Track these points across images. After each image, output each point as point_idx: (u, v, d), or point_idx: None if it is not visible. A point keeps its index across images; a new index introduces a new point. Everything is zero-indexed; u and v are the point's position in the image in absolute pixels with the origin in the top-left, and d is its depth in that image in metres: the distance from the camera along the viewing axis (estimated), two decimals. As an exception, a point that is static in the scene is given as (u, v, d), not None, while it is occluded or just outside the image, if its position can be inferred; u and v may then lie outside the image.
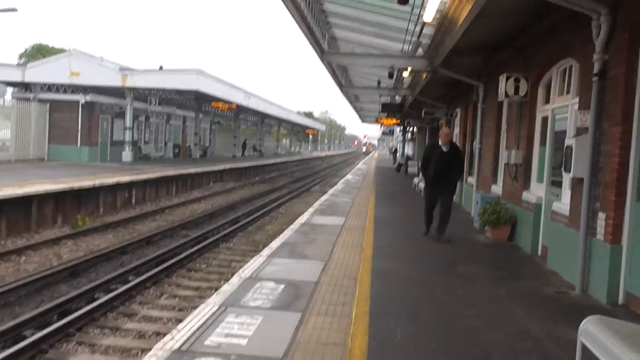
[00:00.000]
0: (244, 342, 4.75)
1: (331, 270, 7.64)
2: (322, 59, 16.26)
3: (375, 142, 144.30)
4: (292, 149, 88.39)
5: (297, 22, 12.74)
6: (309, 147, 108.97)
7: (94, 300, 9.17)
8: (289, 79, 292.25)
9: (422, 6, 10.59)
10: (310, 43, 14.71)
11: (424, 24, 11.86)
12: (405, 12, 12.01)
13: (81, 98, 28.71)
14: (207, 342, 4.71)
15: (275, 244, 9.55)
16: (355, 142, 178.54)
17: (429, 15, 10.40)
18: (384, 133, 68.04)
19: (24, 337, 7.47)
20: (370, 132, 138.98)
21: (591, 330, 4.02)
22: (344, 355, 4.56)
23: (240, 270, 7.47)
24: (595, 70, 7.02)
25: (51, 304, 8.75)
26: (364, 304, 6.02)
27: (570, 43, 8.39)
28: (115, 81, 27.96)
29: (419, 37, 13.27)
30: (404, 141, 45.22)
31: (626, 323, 4.35)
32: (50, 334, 7.57)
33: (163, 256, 12.43)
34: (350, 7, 13.93)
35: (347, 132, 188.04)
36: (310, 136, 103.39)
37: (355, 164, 55.58)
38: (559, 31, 8.78)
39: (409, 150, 44.65)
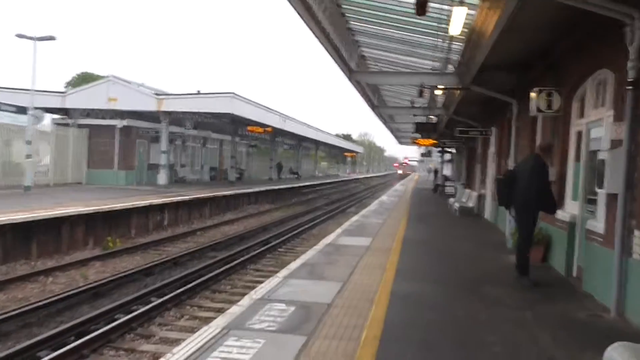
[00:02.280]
0: (239, 367, 4.45)
1: (347, 292, 7.29)
2: (350, 79, 16.06)
3: (415, 164, 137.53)
4: (330, 171, 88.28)
5: (322, 42, 12.61)
6: (347, 170, 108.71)
7: (113, 321, 9.01)
8: (327, 102, 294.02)
9: (449, 20, 10.28)
10: (337, 62, 14.56)
11: (451, 38, 11.54)
12: (432, 27, 11.76)
13: (118, 123, 29.21)
14: (200, 367, 4.43)
15: (294, 264, 9.26)
16: (396, 164, 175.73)
17: (456, 28, 10.09)
18: (422, 154, 67.30)
19: (38, 358, 7.41)
20: (409, 153, 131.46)
21: (617, 358, 3.60)
22: (345, 382, 4.21)
23: (252, 292, 7.19)
24: (630, 78, 6.59)
25: (69, 324, 8.65)
26: (376, 328, 5.65)
27: (604, 53, 7.96)
28: (150, 106, 28.36)
29: (448, 52, 12.94)
30: (442, 162, 44.59)
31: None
32: (63, 355, 7.44)
33: (187, 277, 12.24)
34: (376, 24, 13.74)
35: (386, 153, 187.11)
36: (349, 158, 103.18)
37: (393, 186, 54.97)
38: (592, 42, 8.36)
39: (446, 171, 43.95)
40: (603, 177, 7.27)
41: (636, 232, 6.45)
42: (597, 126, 8.60)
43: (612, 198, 7.24)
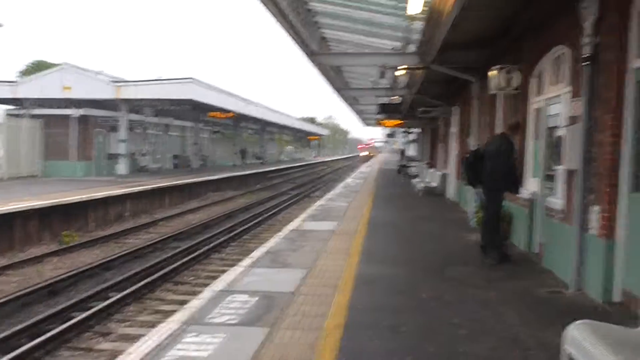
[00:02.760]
0: (198, 364, 4.30)
1: (312, 279, 7.18)
2: (311, 61, 15.84)
3: (381, 145, 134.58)
4: (295, 155, 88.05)
5: (282, 24, 12.36)
6: (313, 153, 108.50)
7: (69, 319, 8.71)
8: (290, 85, 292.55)
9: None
10: (298, 44, 14.31)
11: (412, 17, 11.41)
12: (392, 6, 11.61)
13: (74, 112, 28.44)
14: (156, 366, 4.26)
15: (258, 252, 9.11)
16: (360, 146, 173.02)
17: (414, 7, 9.97)
18: (387, 135, 67.51)
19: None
20: (375, 134, 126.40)
21: (577, 337, 3.63)
22: (307, 375, 4.10)
23: (213, 283, 7.03)
24: (586, 54, 6.57)
25: (21, 325, 8.34)
26: (339, 316, 5.55)
27: (561, 29, 7.94)
28: (108, 94, 27.68)
29: (409, 32, 12.83)
30: (406, 143, 44.82)
31: (616, 327, 3.94)
32: (15, 358, 7.17)
33: (149, 270, 11.99)
34: (336, 5, 13.54)
35: (351, 136, 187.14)
36: (314, 142, 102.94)
37: (358, 168, 55.03)
38: (549, 18, 8.33)
39: (411, 151, 44.18)
40: (561, 153, 7.28)
41: (594, 208, 6.47)
42: (556, 103, 8.61)
43: (570, 174, 7.27)
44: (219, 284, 6.92)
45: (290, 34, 13.58)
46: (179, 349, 4.62)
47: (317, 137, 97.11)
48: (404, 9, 11.53)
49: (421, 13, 10.98)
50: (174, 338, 4.89)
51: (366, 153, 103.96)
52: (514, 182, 8.65)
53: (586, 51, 6.54)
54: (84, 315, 8.80)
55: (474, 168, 8.84)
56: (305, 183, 41.07)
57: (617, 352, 3.23)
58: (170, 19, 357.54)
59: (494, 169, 8.47)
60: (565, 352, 3.74)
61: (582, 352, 3.48)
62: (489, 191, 8.72)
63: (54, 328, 8.24)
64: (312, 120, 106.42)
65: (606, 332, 3.63)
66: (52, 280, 11.05)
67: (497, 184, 8.56)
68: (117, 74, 31.45)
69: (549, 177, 8.68)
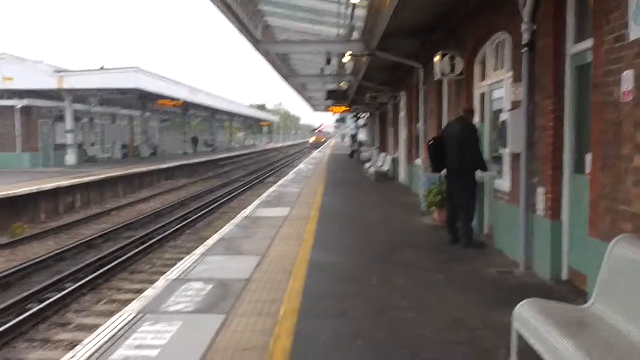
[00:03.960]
0: (155, 353, 4.35)
1: (265, 265, 7.27)
2: (257, 49, 15.83)
3: (331, 130, 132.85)
4: (247, 142, 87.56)
5: (223, 12, 12.28)
6: (264, 139, 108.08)
7: (25, 311, 8.62)
8: (239, 73, 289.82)
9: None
10: (242, 33, 14.27)
11: (354, 6, 11.53)
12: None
13: (17, 103, 27.73)
14: (113, 357, 4.28)
15: (211, 240, 9.14)
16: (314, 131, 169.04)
17: (356, -5, 10.09)
18: (337, 120, 67.83)
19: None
20: (325, 120, 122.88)
21: (524, 315, 3.72)
22: (264, 360, 4.21)
23: (168, 272, 7.05)
24: (524, 41, 6.77)
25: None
26: (294, 301, 5.66)
27: (500, 16, 8.16)
28: (50, 84, 27.08)
29: (351, 20, 12.95)
30: (356, 127, 45.12)
31: (563, 305, 4.09)
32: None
33: (103, 260, 11.89)
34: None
35: (302, 122, 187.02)
36: (265, 128, 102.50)
37: (310, 154, 55.19)
38: (488, 5, 8.56)
39: (361, 136, 44.56)
40: (506, 137, 7.52)
41: (539, 189, 6.72)
42: (499, 88, 8.88)
43: (515, 157, 7.51)
44: (173, 273, 6.94)
45: (234, 24, 13.55)
46: (135, 338, 4.65)
47: (268, 124, 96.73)
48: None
49: (363, 1, 11.09)
50: (130, 327, 4.92)
51: (313, 139, 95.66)
52: (483, 162, 8.59)
53: (525, 38, 6.74)
54: (40, 306, 8.72)
55: (438, 154, 8.82)
56: (258, 170, 40.99)
57: (563, 328, 3.31)
58: (114, 7, 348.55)
59: (462, 153, 8.39)
60: (514, 330, 3.85)
61: (530, 330, 3.56)
62: (459, 176, 8.58)
63: (9, 320, 8.17)
64: (262, 107, 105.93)
65: (553, 310, 3.73)
66: (4, 273, 10.87)
67: (466, 168, 8.51)
68: (59, 64, 30.72)
69: (496, 160, 8.95)
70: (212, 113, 55.07)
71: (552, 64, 6.34)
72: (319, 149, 62.89)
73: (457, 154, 8.47)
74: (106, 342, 4.57)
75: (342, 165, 30.95)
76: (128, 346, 4.50)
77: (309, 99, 45.55)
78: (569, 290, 5.94)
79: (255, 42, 15.42)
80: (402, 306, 5.61)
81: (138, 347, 4.48)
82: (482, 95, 9.76)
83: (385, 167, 21.73)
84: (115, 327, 4.94)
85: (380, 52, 13.57)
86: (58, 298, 9.23)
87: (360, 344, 4.59)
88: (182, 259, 11.82)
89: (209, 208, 19.83)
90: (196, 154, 46.83)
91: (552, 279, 6.38)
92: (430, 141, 9.13)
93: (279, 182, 20.59)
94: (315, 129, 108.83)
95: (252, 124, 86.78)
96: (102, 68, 30.40)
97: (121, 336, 4.71)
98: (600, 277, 3.86)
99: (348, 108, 32.71)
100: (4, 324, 8.01)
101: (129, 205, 21.70)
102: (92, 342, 4.60)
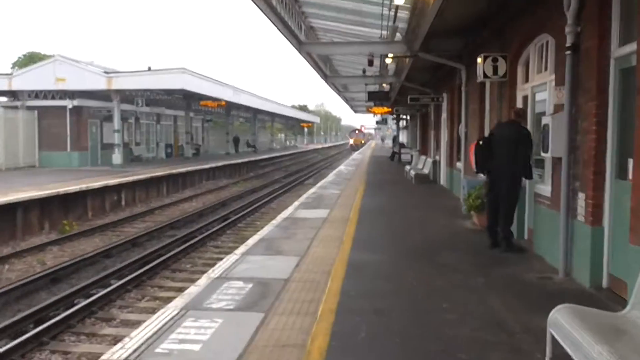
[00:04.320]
0: (197, 347, 4.50)
1: (305, 266, 7.38)
2: (299, 51, 15.99)
3: (372, 132, 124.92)
4: (287, 143, 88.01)
5: (267, 15, 12.48)
6: (305, 140, 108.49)
7: (72, 306, 8.93)
8: (281, 74, 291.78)
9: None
10: (285, 35, 14.45)
11: (397, 7, 11.57)
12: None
13: (68, 103, 28.58)
14: (158, 350, 4.46)
15: (252, 240, 9.31)
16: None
17: (399, -3, 10.14)
18: (377, 122, 67.63)
19: (-6, 348, 7.29)
20: (366, 121, 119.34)
21: (560, 321, 3.73)
22: (301, 358, 4.30)
23: (210, 270, 7.23)
24: (568, 43, 6.72)
25: (27, 312, 8.54)
26: (332, 301, 5.76)
27: (545, 18, 8.09)
28: (100, 84, 27.74)
29: (394, 21, 12.98)
30: (397, 129, 44.97)
31: (599, 311, 4.08)
32: (22, 343, 7.37)
33: (147, 258, 12.19)
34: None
35: (343, 122, 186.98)
36: (306, 129, 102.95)
37: (350, 155, 55.26)
38: (533, 6, 8.50)
39: (402, 138, 44.38)
40: (547, 141, 7.45)
41: (580, 195, 6.65)
42: (542, 90, 8.79)
43: (556, 161, 7.44)
44: (215, 271, 7.11)
45: (278, 27, 13.74)
46: (179, 333, 4.82)
47: (309, 125, 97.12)
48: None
49: (406, 2, 11.12)
50: (174, 322, 5.09)
51: (351, 142, 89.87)
52: (530, 169, 8.42)
53: (568, 40, 6.69)
54: (86, 301, 9.01)
55: (486, 154, 8.64)
56: (298, 171, 41.23)
57: (598, 334, 3.30)
58: (161, 10, 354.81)
59: (513, 156, 8.24)
60: (550, 335, 3.86)
61: (565, 335, 3.57)
62: (505, 179, 8.45)
63: (58, 314, 8.46)
64: (303, 108, 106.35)
65: (589, 316, 3.72)
66: (54, 269, 11.24)
67: (516, 174, 8.40)
68: (108, 65, 31.60)
69: (538, 163, 8.85)
70: (254, 113, 55.60)
71: (596, 66, 6.28)
72: (359, 151, 62.59)
73: (508, 156, 8.29)
74: (152, 336, 4.75)
75: (382, 167, 30.93)
76: (172, 340, 4.66)
77: (350, 100, 45.59)
78: (609, 298, 5.88)
79: (299, 44, 15.59)
80: (441, 307, 5.66)
81: (182, 341, 4.64)
82: (525, 98, 9.68)
83: (426, 170, 21.66)
84: (161, 322, 5.12)
85: (423, 53, 13.55)
86: (104, 294, 9.51)
87: (397, 342, 4.66)
88: (222, 258, 12.14)
89: (250, 208, 20.05)
90: (238, 155, 47.33)
91: (592, 286, 6.31)
92: (478, 141, 8.92)
93: (319, 184, 20.71)
94: (354, 130, 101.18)
95: (293, 125, 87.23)
96: (149, 69, 31.03)
97: (166, 330, 4.88)
98: (638, 284, 3.83)
99: (389, 109, 32.65)
100: (53, 317, 8.30)
101: (172, 205, 22.11)
102: (138, 335, 4.78)
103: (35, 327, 8.01)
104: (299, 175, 36.23)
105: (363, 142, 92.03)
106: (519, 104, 9.92)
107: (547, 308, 4.31)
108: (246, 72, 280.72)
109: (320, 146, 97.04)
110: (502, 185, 8.49)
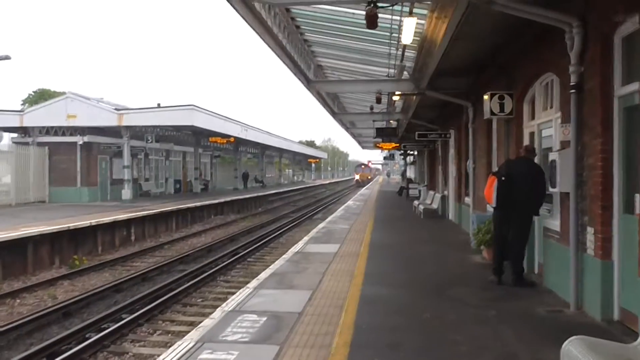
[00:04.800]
0: (215, 379, 4.61)
1: (317, 300, 7.48)
2: (308, 89, 16.30)
3: (380, 167, 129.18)
4: (295, 178, 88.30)
5: (278, 55, 12.81)
6: (312, 176, 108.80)
7: (84, 340, 9.00)
8: (289, 109, 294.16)
9: (400, 29, 10.62)
10: (294, 73, 14.76)
11: (404, 46, 11.86)
12: (385, 36, 12.07)
13: (79, 139, 28.95)
14: (176, 381, 4.57)
15: (264, 274, 9.42)
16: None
17: (407, 38, 10.41)
18: (385, 158, 67.87)
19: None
20: (373, 157, 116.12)
21: (573, 352, 3.78)
22: (317, 389, 4.40)
23: (224, 304, 7.33)
24: (572, 82, 6.94)
25: (39, 345, 8.63)
26: (346, 334, 5.85)
27: (549, 57, 8.32)
28: (111, 121, 28.21)
29: (402, 60, 13.28)
30: (405, 165, 45.19)
31: (611, 343, 4.14)
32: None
33: (158, 292, 12.27)
34: (331, 35, 14.05)
35: (350, 157, 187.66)
36: (313, 164, 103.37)
37: (358, 191, 55.36)
38: (537, 47, 8.74)
39: (410, 173, 44.57)
40: (555, 176, 7.60)
41: (589, 229, 6.75)
42: (548, 127, 8.97)
43: (564, 196, 7.58)
44: (229, 305, 7.21)
45: (287, 66, 14.06)
46: (196, 365, 4.93)
47: (316, 160, 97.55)
48: (396, 38, 12.00)
49: (413, 42, 11.40)
50: (190, 354, 5.20)
51: (357, 178, 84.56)
52: (540, 204, 8.60)
53: (573, 79, 6.90)
54: (99, 335, 9.09)
55: (507, 192, 8.57)
56: (306, 206, 41.37)
57: None
58: (168, 48, 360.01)
59: (529, 193, 8.37)
60: None
61: None
62: (524, 215, 8.57)
63: (70, 348, 8.54)
64: (311, 144, 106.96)
65: (601, 348, 3.78)
66: (65, 303, 11.34)
67: (530, 209, 8.55)
68: (117, 101, 32.15)
69: (547, 198, 8.94)
70: (262, 149, 56.04)
71: (601, 105, 6.45)
72: (367, 186, 62.54)
73: (525, 192, 8.38)
74: (170, 368, 4.85)
75: (390, 202, 31.03)
76: (190, 372, 4.76)
77: (357, 136, 45.93)
78: (620, 331, 5.95)
79: (308, 82, 15.90)
80: (454, 340, 5.75)
81: (199, 373, 4.74)
82: (532, 135, 9.85)
83: (434, 205, 21.77)
84: (177, 354, 5.22)
85: (430, 91, 13.84)
86: (116, 328, 9.55)
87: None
88: (232, 293, 12.22)
89: (259, 243, 20.14)
90: (246, 190, 47.57)
91: (604, 320, 6.38)
92: (499, 177, 8.84)
93: (328, 219, 20.83)
94: (360, 165, 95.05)
95: (301, 160, 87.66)
96: (158, 105, 31.52)
97: (183, 362, 4.98)
98: (648, 317, 3.92)
99: (397, 145, 32.90)
100: (66, 351, 8.36)
101: (181, 240, 22.24)
102: (157, 367, 4.88)
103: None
104: (307, 210, 36.35)
105: (370, 177, 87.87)
106: (526, 140, 10.08)
107: (559, 341, 4.38)
108: (254, 107, 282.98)
109: (327, 182, 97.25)
110: (517, 221, 8.58)
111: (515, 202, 8.45)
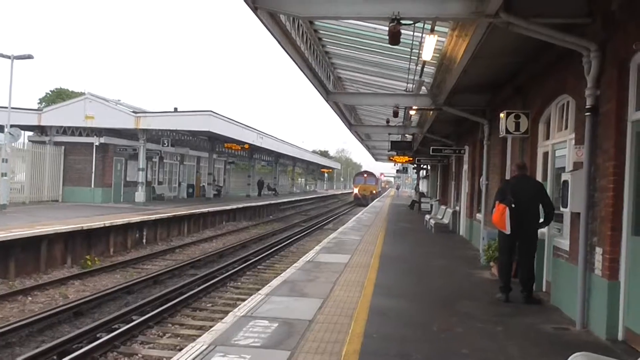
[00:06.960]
0: (227, 381, 4.74)
1: (328, 308, 7.61)
2: (327, 100, 16.47)
3: (392, 179, 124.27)
4: (307, 187, 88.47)
5: (299, 65, 13.00)
6: (325, 186, 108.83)
7: (95, 339, 9.15)
8: (304, 119, 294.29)
9: (421, 46, 10.77)
10: (314, 84, 14.94)
11: (424, 62, 12.02)
12: (405, 52, 12.23)
13: (95, 140, 29.22)
14: (190, 382, 4.70)
15: (276, 282, 9.55)
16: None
17: (427, 54, 10.56)
18: (398, 171, 67.67)
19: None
20: (386, 169, 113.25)
21: None
22: (327, 394, 4.52)
23: (236, 309, 7.47)
24: (588, 105, 7.06)
25: (50, 344, 8.77)
26: (355, 343, 5.97)
27: (565, 79, 8.46)
28: (128, 123, 28.44)
29: (420, 75, 13.43)
30: (418, 179, 45.24)
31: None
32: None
33: (168, 295, 12.42)
34: (352, 49, 14.23)
35: (363, 169, 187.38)
36: (326, 174, 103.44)
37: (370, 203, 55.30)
38: (555, 68, 8.88)
39: (422, 187, 44.59)
40: (566, 196, 7.69)
41: (598, 249, 6.85)
42: (562, 147, 9.07)
43: (575, 217, 7.67)
44: (241, 310, 7.35)
45: (307, 76, 14.25)
46: (209, 367, 5.06)
47: (329, 170, 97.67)
48: (416, 54, 12.16)
49: (432, 59, 11.56)
50: (203, 357, 5.33)
51: (356, 192, 65.05)
52: (552, 217, 8.64)
53: (588, 102, 7.03)
54: (109, 335, 9.23)
55: (517, 217, 8.49)
56: (318, 215, 41.51)
57: None
58: (186, 52, 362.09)
59: (536, 210, 8.50)
60: None
61: None
62: (533, 233, 8.66)
63: (81, 347, 8.69)
64: (324, 154, 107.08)
65: None
66: (76, 302, 11.51)
67: (536, 226, 8.66)
68: (133, 104, 32.38)
69: (557, 217, 9.02)
70: (276, 157, 56.28)
71: (615, 128, 6.56)
72: (379, 198, 60.59)
73: (531, 211, 8.49)
74: (184, 368, 4.98)
75: (401, 215, 31.07)
76: (203, 373, 4.89)
77: (371, 148, 46.08)
78: (624, 350, 6.04)
79: (326, 93, 16.09)
80: (461, 353, 5.86)
81: (211, 374, 4.87)
82: (545, 154, 9.95)
83: (446, 220, 21.82)
84: (190, 355, 5.36)
85: (447, 107, 13.97)
86: (126, 329, 9.69)
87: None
88: (242, 299, 12.37)
89: (270, 251, 20.28)
90: (259, 197, 47.76)
91: (608, 338, 6.47)
92: (509, 204, 8.77)
93: (339, 230, 20.93)
94: (362, 173, 70.33)
95: (314, 170, 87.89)
96: (175, 110, 31.83)
97: (196, 363, 5.12)
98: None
99: (411, 159, 33.01)
100: (77, 350, 8.52)
101: (193, 244, 22.43)
102: (171, 367, 5.02)
103: (58, 359, 8.27)
104: (318, 220, 36.48)
105: (375, 192, 65.69)
106: (540, 159, 10.20)
107: (564, 357, 4.48)
108: (269, 114, 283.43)
109: (339, 192, 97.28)
110: (526, 239, 8.65)
111: (523, 222, 8.51)
